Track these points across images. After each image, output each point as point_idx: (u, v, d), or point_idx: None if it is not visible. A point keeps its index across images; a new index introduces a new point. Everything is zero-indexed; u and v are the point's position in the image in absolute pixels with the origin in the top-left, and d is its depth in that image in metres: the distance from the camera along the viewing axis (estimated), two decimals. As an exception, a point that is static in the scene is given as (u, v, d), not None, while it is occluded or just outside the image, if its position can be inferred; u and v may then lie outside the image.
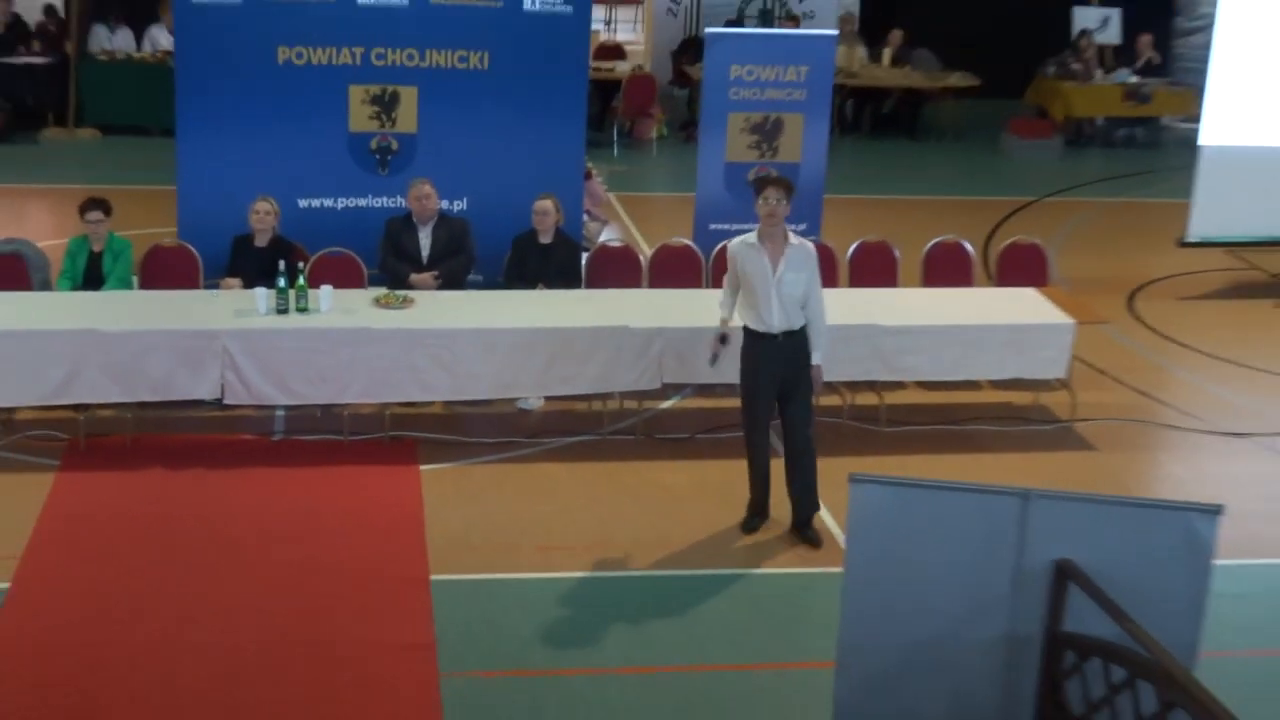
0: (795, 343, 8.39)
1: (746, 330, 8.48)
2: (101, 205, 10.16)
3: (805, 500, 8.70)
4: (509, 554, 8.54)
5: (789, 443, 8.66)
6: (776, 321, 8.32)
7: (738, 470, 8.94)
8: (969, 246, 11.84)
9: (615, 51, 18.03)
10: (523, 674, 7.52)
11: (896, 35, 19.16)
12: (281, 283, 9.47)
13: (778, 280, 8.27)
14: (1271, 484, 9.99)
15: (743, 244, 8.47)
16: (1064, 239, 12.75)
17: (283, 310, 9.44)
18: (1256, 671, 7.70)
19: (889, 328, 10.13)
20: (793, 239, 8.41)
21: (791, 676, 7.35)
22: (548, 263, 10.71)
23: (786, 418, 8.61)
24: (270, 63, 10.99)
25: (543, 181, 10.89)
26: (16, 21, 17.06)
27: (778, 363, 8.39)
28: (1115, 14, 19.76)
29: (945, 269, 11.59)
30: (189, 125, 11.06)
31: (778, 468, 8.84)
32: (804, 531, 8.72)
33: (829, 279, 10.93)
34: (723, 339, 8.66)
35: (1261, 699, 7.17)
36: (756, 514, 8.85)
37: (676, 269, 11.24)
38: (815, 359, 8.44)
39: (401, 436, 9.83)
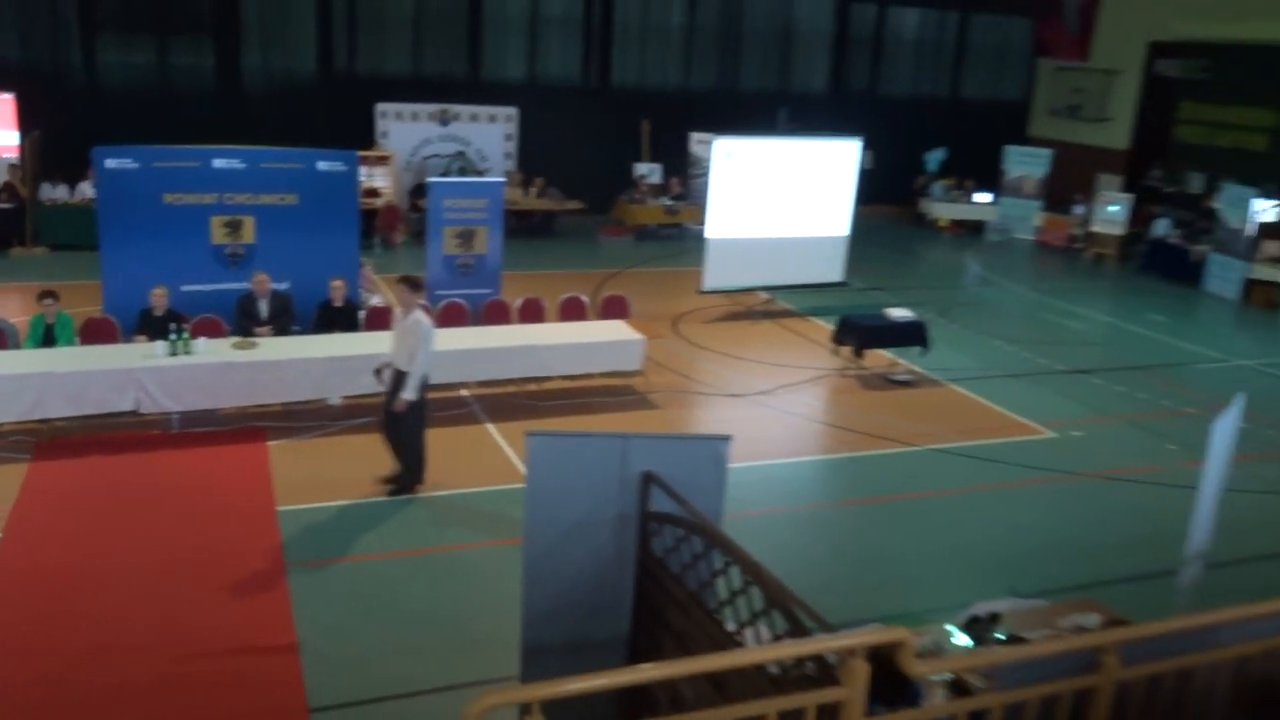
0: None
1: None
2: (53, 294, 10.00)
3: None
4: (326, 490, 8.60)
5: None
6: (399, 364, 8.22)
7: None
8: (584, 298, 12.35)
9: (373, 192, 17.88)
10: (344, 560, 7.59)
11: (540, 180, 19.46)
12: (173, 336, 9.42)
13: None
14: (755, 421, 10.68)
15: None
16: (637, 292, 13.32)
17: (173, 354, 9.41)
18: (757, 523, 8.37)
19: (541, 346, 10.58)
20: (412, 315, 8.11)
21: (505, 549, 7.51)
22: (339, 319, 10.78)
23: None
24: (159, 203, 10.91)
25: (333, 269, 11.02)
26: (-10, 182, 16.20)
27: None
28: (659, 167, 20.52)
29: (572, 312, 12.09)
30: (109, 242, 10.83)
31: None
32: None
33: (504, 322, 11.37)
34: (379, 371, 8.55)
35: (759, 538, 7.82)
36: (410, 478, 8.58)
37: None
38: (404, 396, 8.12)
39: (256, 425, 9.78)
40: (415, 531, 8.01)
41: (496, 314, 11.82)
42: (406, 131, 19.44)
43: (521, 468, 8.67)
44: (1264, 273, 17.40)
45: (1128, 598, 7.15)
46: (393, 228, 17.70)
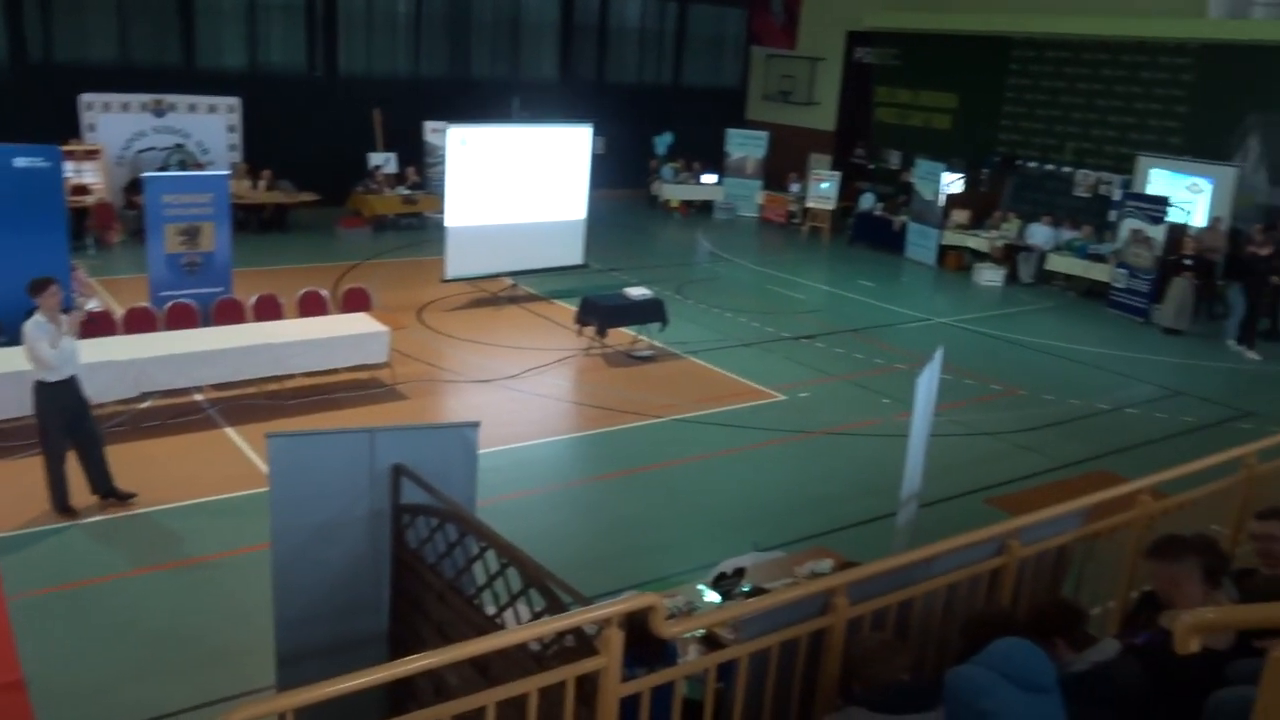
0: None
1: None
2: None
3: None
4: (43, 511, 7.86)
5: None
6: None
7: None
8: (324, 292, 11.92)
9: (82, 190, 16.39)
10: (70, 586, 6.99)
11: (268, 172, 18.54)
12: None
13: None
14: (505, 406, 10.68)
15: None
16: (380, 284, 12.98)
17: None
18: (514, 505, 8.29)
19: (279, 344, 10.15)
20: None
21: (252, 556, 7.16)
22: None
23: None
24: None
25: (42, 272, 9.79)
26: None
27: None
28: (394, 156, 19.99)
29: (311, 307, 11.65)
30: None
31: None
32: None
33: (238, 321, 10.81)
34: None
35: (516, 520, 7.78)
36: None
37: (141, 322, 10.68)
38: None
39: None
40: (148, 547, 7.47)
41: (229, 313, 11.18)
42: (117, 124, 17.91)
43: (266, 471, 8.25)
44: (954, 239, 19.12)
45: (856, 541, 7.71)
46: (107, 226, 16.32)
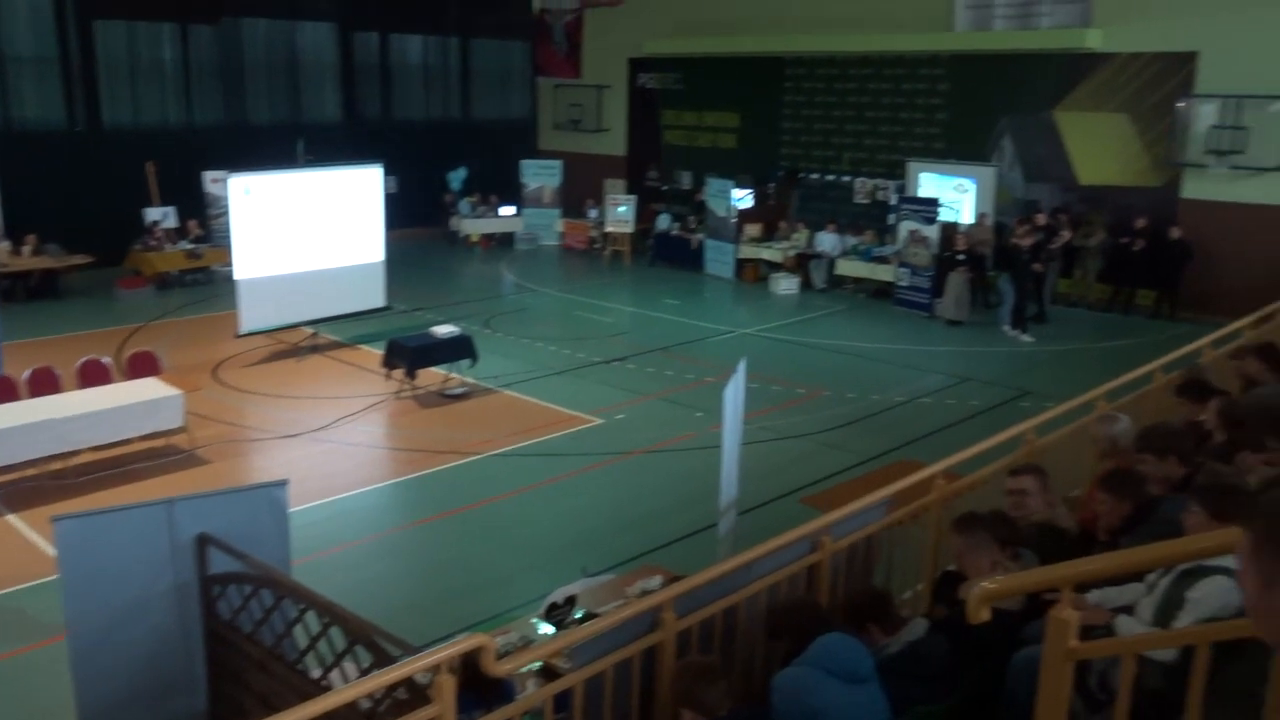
0: None
1: None
2: None
3: None
4: None
5: None
6: None
7: None
8: (106, 359, 11.24)
9: None
10: None
11: (32, 237, 17.32)
12: None
13: None
14: (316, 459, 10.36)
15: None
16: (169, 345, 12.35)
17: None
18: (336, 560, 8.01)
19: (60, 419, 9.50)
20: None
21: (46, 651, 6.64)
22: None
23: None
24: None
25: None
26: None
27: None
28: (172, 210, 19.04)
29: (93, 376, 10.94)
30: None
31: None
32: None
33: (11, 398, 10.05)
34: None
35: (340, 575, 7.53)
36: None
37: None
38: None
39: None
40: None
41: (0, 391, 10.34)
42: None
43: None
44: (749, 252, 19.86)
45: (684, 555, 7.86)
46: None
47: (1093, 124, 17.43)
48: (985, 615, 2.49)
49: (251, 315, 13.93)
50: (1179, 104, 16.32)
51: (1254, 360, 6.89)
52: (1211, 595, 3.32)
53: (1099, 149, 17.41)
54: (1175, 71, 16.38)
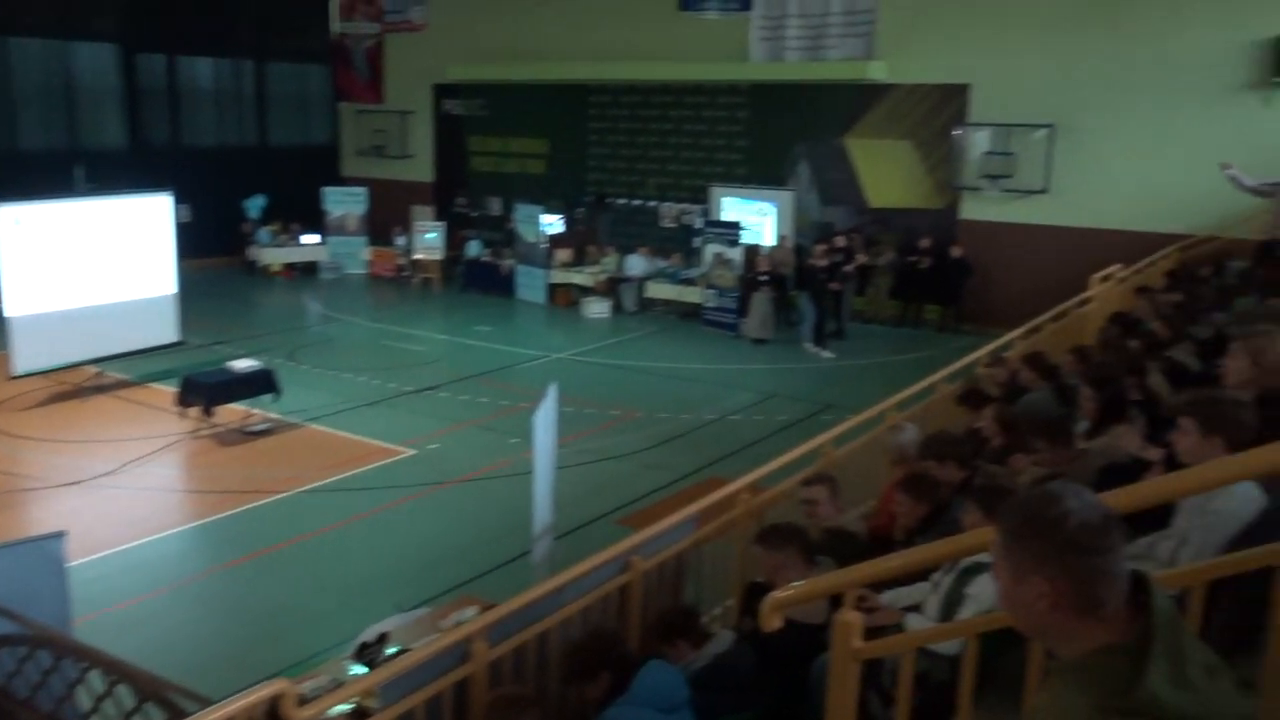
0: None
1: None
2: None
3: None
4: None
5: None
6: None
7: None
8: None
9: None
10: None
11: None
12: None
13: None
14: (103, 507, 9.75)
15: None
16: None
17: None
18: (128, 615, 7.50)
19: None
20: None
21: None
22: None
23: None
24: None
25: None
26: None
27: None
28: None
29: None
30: None
31: None
32: None
33: None
34: None
35: (133, 630, 7.08)
36: None
37: None
38: None
39: None
40: None
41: None
42: None
43: None
44: (560, 277, 19.97)
45: (501, 583, 7.79)
46: None
47: (880, 150, 18.50)
48: (777, 623, 2.60)
49: (27, 355, 12.90)
50: (955, 132, 17.53)
51: (1025, 369, 7.49)
52: (988, 590, 3.57)
53: (887, 173, 18.49)
54: (951, 102, 17.60)
